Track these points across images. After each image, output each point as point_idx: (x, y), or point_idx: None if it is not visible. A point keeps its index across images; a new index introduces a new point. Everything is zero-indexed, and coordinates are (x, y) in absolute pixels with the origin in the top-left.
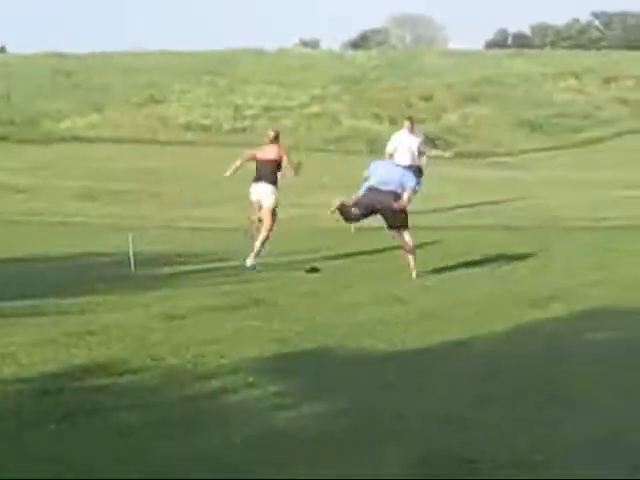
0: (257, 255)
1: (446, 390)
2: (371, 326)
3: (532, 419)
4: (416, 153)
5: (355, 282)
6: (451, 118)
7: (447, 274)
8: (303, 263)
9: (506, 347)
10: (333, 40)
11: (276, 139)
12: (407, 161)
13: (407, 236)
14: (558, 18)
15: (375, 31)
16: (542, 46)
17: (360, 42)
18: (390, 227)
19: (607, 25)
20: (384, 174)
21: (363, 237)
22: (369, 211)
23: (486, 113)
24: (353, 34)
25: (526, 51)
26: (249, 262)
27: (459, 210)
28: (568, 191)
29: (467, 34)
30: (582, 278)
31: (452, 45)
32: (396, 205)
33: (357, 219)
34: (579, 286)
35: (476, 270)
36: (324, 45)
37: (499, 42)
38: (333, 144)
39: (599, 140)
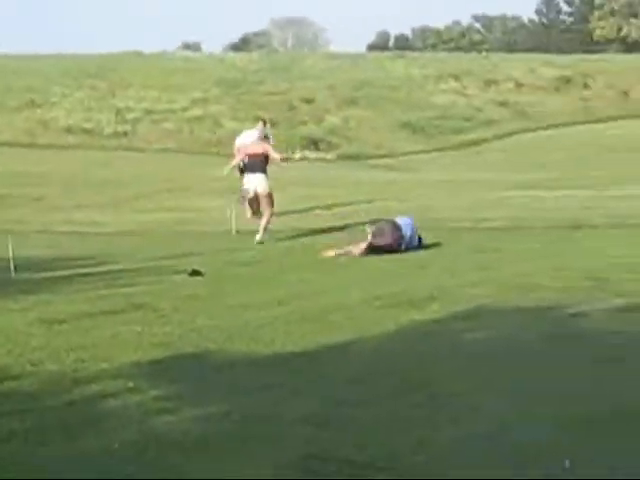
0: (265, 231)
1: (325, 391)
2: (252, 329)
3: (412, 419)
4: None
5: (237, 285)
6: (333, 120)
7: (328, 275)
8: (185, 266)
9: (385, 348)
10: (215, 43)
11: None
12: None
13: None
14: (439, 20)
15: (257, 34)
16: (423, 48)
17: (241, 45)
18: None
19: (488, 28)
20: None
21: (245, 240)
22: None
23: (367, 115)
24: (235, 37)
25: (407, 53)
26: (259, 238)
27: (336, 210)
28: (449, 192)
29: (349, 37)
30: (462, 278)
31: (334, 48)
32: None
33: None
34: (458, 287)
35: (355, 271)
36: (206, 48)
37: (380, 44)
38: (215, 147)
39: (480, 142)
